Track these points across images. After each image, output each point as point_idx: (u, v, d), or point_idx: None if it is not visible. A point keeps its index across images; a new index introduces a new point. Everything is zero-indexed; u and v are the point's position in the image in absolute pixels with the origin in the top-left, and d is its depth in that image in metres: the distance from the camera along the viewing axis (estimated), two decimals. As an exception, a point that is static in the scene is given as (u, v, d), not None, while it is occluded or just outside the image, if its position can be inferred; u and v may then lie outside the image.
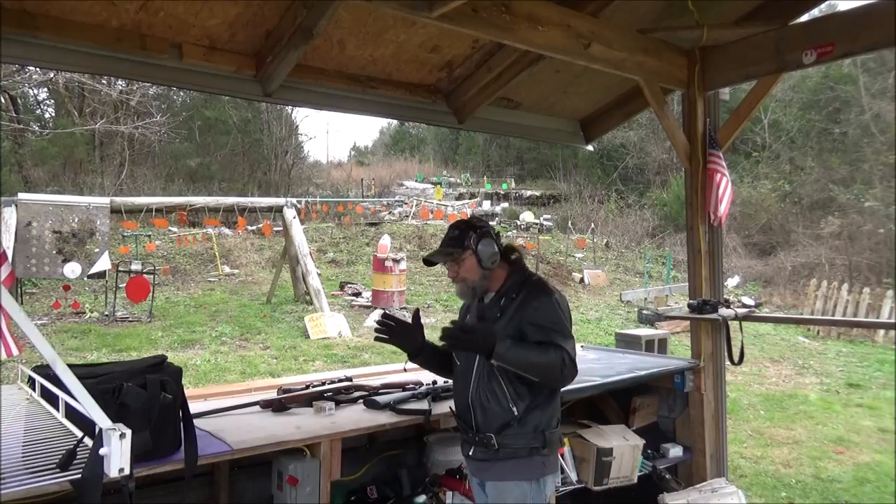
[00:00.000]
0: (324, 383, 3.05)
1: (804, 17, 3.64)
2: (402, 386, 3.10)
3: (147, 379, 1.98)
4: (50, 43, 2.58)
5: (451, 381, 2.62)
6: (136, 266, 11.21)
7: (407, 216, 21.13)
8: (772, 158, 21.86)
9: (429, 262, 2.46)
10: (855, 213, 16.72)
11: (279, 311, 11.72)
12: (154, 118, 19.23)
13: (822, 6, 3.93)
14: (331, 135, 75.61)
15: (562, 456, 3.08)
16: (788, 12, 3.55)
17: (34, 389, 2.29)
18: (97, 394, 1.64)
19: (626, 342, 5.71)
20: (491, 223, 2.79)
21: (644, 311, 12.54)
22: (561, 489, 3.07)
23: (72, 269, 9.04)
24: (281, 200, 13.08)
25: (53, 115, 22.49)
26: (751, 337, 10.84)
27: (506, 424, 2.28)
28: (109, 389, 1.87)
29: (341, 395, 2.93)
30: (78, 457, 1.68)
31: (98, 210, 9.48)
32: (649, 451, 3.60)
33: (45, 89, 21.30)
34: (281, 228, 13.15)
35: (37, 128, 19.34)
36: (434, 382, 3.10)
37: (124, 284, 10.51)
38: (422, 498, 2.88)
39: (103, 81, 17.64)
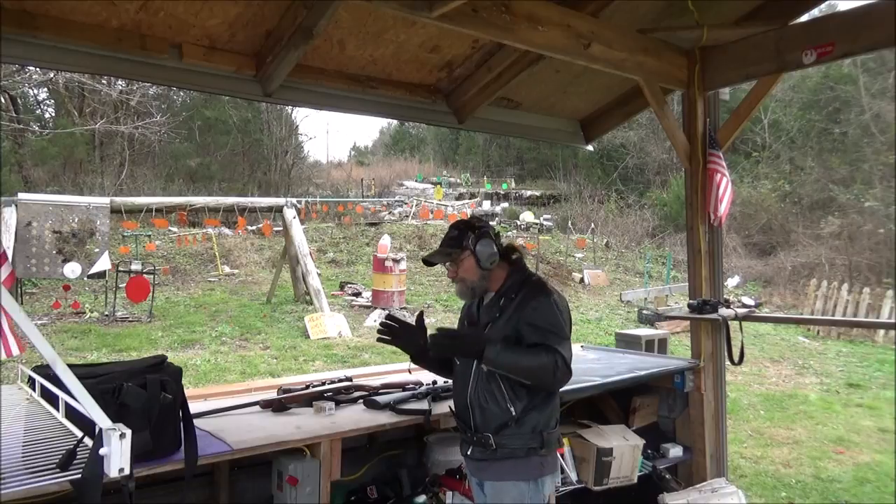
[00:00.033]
0: (324, 383, 3.05)
1: (804, 17, 3.64)
2: (402, 386, 3.10)
3: (147, 379, 1.98)
4: (50, 43, 2.57)
5: (451, 381, 2.62)
6: (136, 266, 11.21)
7: (407, 216, 21.13)
8: (772, 158, 21.87)
9: (428, 262, 2.46)
10: (855, 213, 16.73)
11: (279, 311, 11.72)
12: (154, 118, 19.23)
13: (822, 6, 3.93)
14: (331, 135, 75.71)
15: (562, 456, 3.08)
16: (788, 12, 3.55)
17: (34, 389, 2.29)
18: (97, 394, 1.65)
19: (626, 342, 5.69)
20: (491, 223, 2.78)
21: (644, 311, 12.53)
22: (561, 489, 3.07)
23: (72, 269, 9.04)
24: (281, 200, 13.08)
25: (53, 115, 22.52)
26: (751, 337, 10.85)
27: (504, 425, 2.29)
28: (109, 389, 1.87)
29: (341, 395, 2.93)
30: (78, 457, 1.68)
31: (98, 210, 9.48)
32: (649, 451, 3.60)
33: (45, 89, 21.33)
34: (281, 228, 13.15)
35: (37, 128, 19.35)
36: (434, 382, 3.10)
37: (124, 284, 10.51)
38: (422, 498, 2.88)
39: (103, 81, 17.64)
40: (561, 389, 2.39)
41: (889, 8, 2.93)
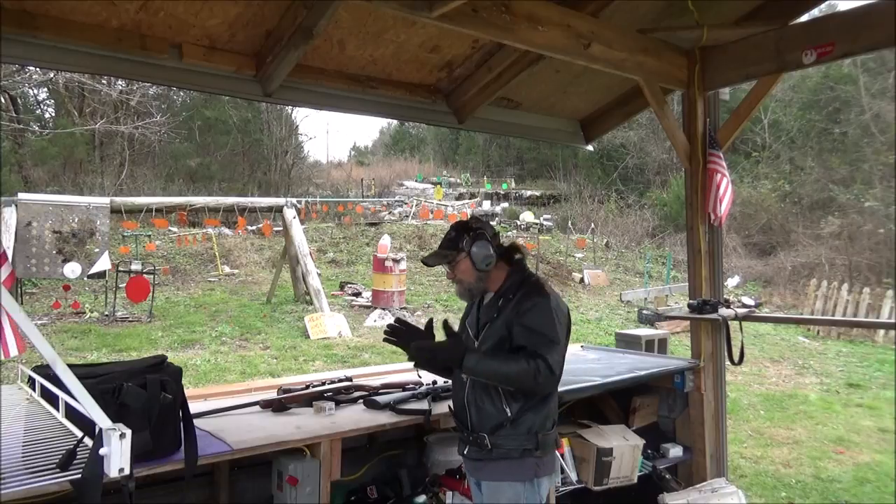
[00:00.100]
0: (324, 383, 3.06)
1: (804, 17, 3.64)
2: (402, 386, 3.10)
3: (147, 379, 1.98)
4: (50, 43, 2.57)
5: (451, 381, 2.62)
6: (136, 266, 11.22)
7: (407, 216, 21.13)
8: (772, 158, 21.86)
9: (427, 263, 2.47)
10: (855, 213, 16.73)
11: (279, 311, 11.72)
12: (154, 118, 19.24)
13: (822, 6, 3.92)
14: (331, 135, 75.68)
15: (562, 456, 3.08)
16: (788, 12, 3.55)
17: (34, 389, 2.29)
18: (97, 394, 1.65)
19: (626, 342, 5.69)
20: (491, 223, 2.78)
21: (644, 311, 12.53)
22: (561, 489, 3.07)
23: (72, 269, 9.04)
24: (281, 200, 13.09)
25: (53, 115, 22.52)
26: (751, 337, 10.85)
27: (499, 425, 2.29)
28: (109, 389, 1.87)
29: (341, 395, 2.94)
30: (78, 457, 1.68)
31: (98, 210, 9.48)
32: (649, 451, 3.60)
33: (45, 89, 21.34)
34: (281, 228, 13.15)
35: (37, 128, 19.35)
36: (434, 382, 3.10)
37: (124, 284, 10.51)
38: (422, 498, 2.89)
39: (103, 81, 17.65)
40: (561, 389, 2.39)
41: (889, 8, 2.93)
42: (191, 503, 2.63)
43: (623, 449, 3.22)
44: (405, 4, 2.58)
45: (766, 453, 5.77)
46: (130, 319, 10.80)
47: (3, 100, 17.67)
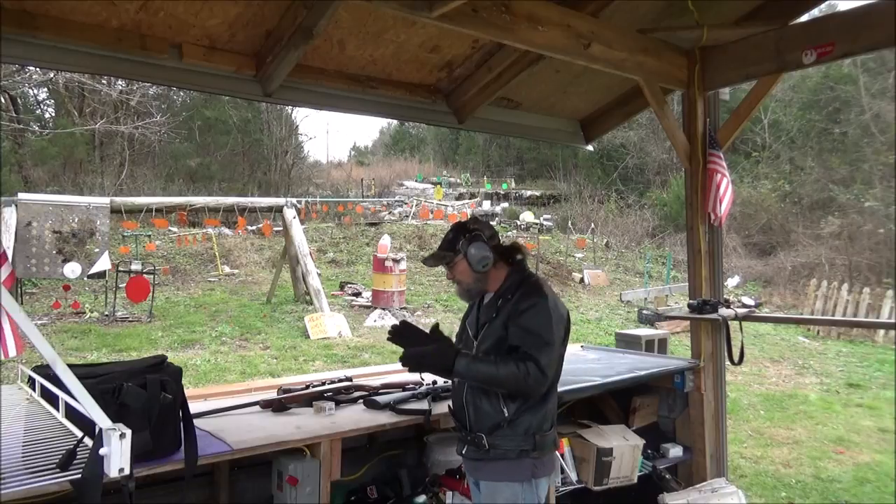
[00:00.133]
0: (324, 383, 3.06)
1: (804, 17, 3.64)
2: (402, 386, 3.10)
3: (147, 379, 1.98)
4: (50, 43, 2.58)
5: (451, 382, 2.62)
6: (136, 266, 11.22)
7: (407, 216, 21.13)
8: (772, 158, 21.86)
9: (427, 264, 2.47)
10: (855, 213, 16.72)
11: (279, 311, 11.72)
12: (154, 118, 19.23)
13: (822, 6, 3.93)
14: (331, 135, 75.65)
15: (562, 456, 3.08)
16: (788, 12, 3.55)
17: (34, 389, 2.29)
18: (97, 394, 1.65)
19: (626, 342, 5.69)
20: (491, 223, 2.78)
21: (644, 311, 12.53)
22: (561, 489, 3.07)
23: (72, 269, 9.04)
24: (281, 200, 13.08)
25: (53, 115, 22.51)
26: (751, 337, 10.84)
27: (497, 425, 2.29)
28: (109, 389, 1.87)
29: (341, 395, 2.94)
30: (78, 457, 1.68)
31: (98, 210, 9.48)
32: (649, 451, 3.60)
33: (45, 89, 21.33)
34: (281, 228, 13.15)
35: (37, 128, 19.34)
36: (434, 382, 3.10)
37: (124, 284, 10.51)
38: (422, 498, 2.89)
39: (103, 81, 17.64)
40: (561, 390, 2.39)
41: (889, 8, 2.93)
42: (191, 503, 2.63)
43: (623, 449, 3.22)
44: (405, 4, 2.58)
45: (766, 453, 5.77)
46: (130, 319, 10.80)
47: (3, 100, 17.67)
